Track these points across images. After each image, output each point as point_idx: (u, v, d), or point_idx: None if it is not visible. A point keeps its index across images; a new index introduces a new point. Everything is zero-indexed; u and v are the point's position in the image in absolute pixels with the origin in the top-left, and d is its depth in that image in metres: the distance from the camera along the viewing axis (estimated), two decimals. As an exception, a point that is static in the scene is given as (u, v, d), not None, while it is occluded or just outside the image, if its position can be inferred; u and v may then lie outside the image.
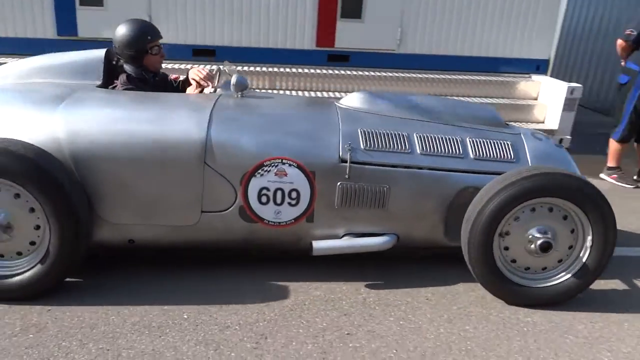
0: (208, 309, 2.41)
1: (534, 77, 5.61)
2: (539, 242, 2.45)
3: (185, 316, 2.35)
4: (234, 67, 3.07)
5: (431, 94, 4.72)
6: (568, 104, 5.26)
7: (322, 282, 2.69)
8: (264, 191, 2.52)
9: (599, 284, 2.73)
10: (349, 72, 5.21)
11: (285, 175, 2.52)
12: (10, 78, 2.83)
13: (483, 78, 5.40)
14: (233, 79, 2.77)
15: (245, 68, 5.02)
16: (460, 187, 2.65)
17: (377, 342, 2.25)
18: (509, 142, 2.78)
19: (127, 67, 2.94)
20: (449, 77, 5.30)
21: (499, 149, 2.75)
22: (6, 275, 2.36)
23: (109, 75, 2.90)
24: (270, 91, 5.04)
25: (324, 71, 5.18)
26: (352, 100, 2.93)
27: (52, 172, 2.27)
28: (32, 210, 2.33)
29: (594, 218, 2.44)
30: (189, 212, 2.53)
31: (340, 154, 2.58)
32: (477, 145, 2.74)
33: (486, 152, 2.73)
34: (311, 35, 5.11)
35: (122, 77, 2.88)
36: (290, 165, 2.52)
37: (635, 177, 4.80)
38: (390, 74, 5.24)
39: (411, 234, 2.73)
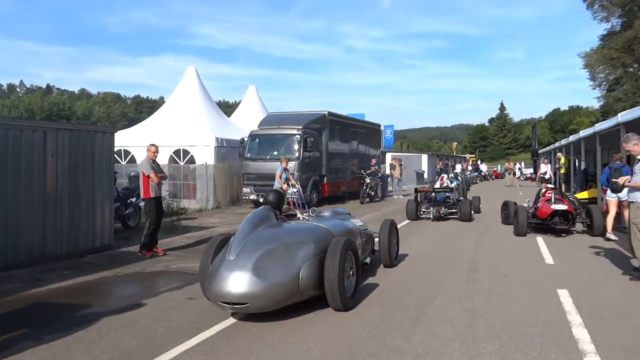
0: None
1: None
2: None
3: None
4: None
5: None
6: None
7: None
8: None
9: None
10: None
11: None
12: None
13: None
14: (315, 211, 7.34)
15: None
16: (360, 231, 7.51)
17: None
18: (358, 220, 8.01)
19: (277, 212, 6.32)
20: None
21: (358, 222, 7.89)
22: None
23: None
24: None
25: None
26: (325, 212, 7.77)
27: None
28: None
29: None
30: None
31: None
32: (359, 222, 7.92)
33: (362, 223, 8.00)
34: None
35: (283, 216, 6.59)
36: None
37: None
38: None
39: None
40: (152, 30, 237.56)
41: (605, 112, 42.49)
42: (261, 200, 17.86)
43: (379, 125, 27.42)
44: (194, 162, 18.95)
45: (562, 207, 11.13)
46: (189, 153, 19.26)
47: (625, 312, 5.45)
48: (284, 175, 14.36)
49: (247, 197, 18.48)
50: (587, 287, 6.50)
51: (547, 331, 4.85)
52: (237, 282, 4.98)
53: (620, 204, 10.41)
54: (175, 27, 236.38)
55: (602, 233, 11.00)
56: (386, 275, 7.35)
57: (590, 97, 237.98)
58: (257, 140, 18.46)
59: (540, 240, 10.52)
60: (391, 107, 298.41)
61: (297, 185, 14.95)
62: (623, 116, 11.96)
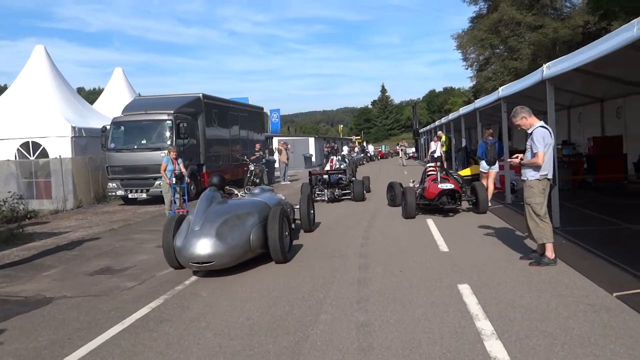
0: None
1: None
2: None
3: None
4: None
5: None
6: None
7: None
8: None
9: None
10: None
11: None
12: None
13: None
14: (249, 189, 10.10)
15: None
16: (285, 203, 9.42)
17: None
18: (282, 195, 10.11)
19: (221, 192, 8.08)
20: None
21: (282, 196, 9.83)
22: None
23: None
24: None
25: None
26: (255, 189, 9.53)
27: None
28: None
29: None
30: None
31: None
32: (282, 196, 9.86)
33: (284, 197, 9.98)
34: None
35: (227, 195, 8.57)
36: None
37: None
38: None
39: None
40: (7, 10, 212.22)
41: (477, 90, 44.72)
42: (130, 196, 16.22)
43: (262, 108, 26.07)
44: (47, 156, 16.26)
45: (448, 186, 10.70)
46: (40, 146, 16.50)
47: (535, 310, 4.72)
48: (170, 167, 12.31)
49: (114, 193, 16.28)
50: (488, 280, 5.77)
51: (457, 349, 3.91)
52: (205, 246, 6.33)
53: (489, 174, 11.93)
54: (36, 7, 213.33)
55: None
56: (306, 236, 6.22)
57: (461, 79, 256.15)
58: (122, 128, 16.25)
59: (430, 222, 9.94)
60: (278, 91, 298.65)
61: (187, 178, 13.19)
62: (503, 90, 11.80)
